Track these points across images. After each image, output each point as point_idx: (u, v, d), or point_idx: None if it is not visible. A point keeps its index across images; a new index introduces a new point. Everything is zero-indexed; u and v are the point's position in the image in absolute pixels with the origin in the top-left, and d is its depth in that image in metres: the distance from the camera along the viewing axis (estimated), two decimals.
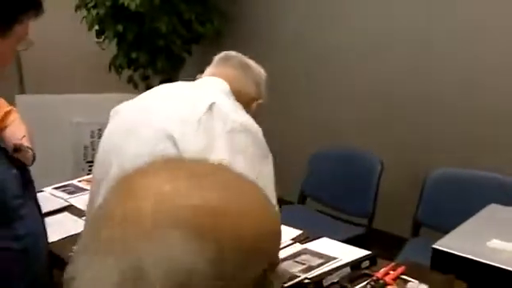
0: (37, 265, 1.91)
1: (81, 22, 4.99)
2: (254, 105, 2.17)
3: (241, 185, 0.81)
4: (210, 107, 1.89)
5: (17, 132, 2.67)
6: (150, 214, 0.75)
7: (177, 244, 0.72)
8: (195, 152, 1.81)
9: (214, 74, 2.15)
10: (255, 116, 2.08)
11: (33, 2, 1.83)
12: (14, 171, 1.90)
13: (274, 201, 1.85)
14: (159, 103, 2.05)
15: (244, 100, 2.10)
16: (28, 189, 1.99)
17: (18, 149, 2.44)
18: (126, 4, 4.63)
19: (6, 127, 2.73)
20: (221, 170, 0.85)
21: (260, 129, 1.94)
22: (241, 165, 1.78)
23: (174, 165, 0.84)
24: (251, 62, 2.25)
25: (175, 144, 1.85)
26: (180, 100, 2.01)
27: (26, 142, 2.59)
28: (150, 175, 0.80)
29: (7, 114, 2.78)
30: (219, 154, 1.79)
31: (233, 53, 2.26)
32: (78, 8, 5.00)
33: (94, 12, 4.89)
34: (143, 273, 0.73)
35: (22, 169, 1.96)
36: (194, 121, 1.87)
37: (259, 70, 2.25)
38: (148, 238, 0.74)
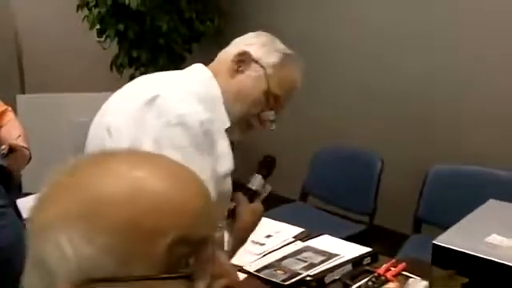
0: (17, 275, 1.88)
1: (82, 22, 5.00)
2: (232, 57, 1.92)
3: (121, 166, 0.82)
4: (152, 99, 1.75)
5: (12, 132, 2.68)
6: (40, 214, 0.79)
7: (68, 243, 0.74)
8: (125, 146, 1.74)
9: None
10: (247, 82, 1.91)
11: None
12: None
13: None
14: (118, 96, 1.95)
15: (225, 66, 1.93)
16: (10, 197, 1.96)
17: (13, 149, 2.44)
18: (126, 3, 4.64)
19: (1, 127, 2.73)
20: (113, 155, 0.86)
21: (206, 120, 1.74)
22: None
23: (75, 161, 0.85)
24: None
25: (111, 137, 1.79)
26: (133, 92, 1.88)
27: (21, 142, 2.60)
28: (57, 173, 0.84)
29: (2, 113, 2.79)
30: (146, 148, 1.68)
31: None
32: (79, 7, 5.01)
33: (95, 11, 4.90)
34: (51, 273, 0.75)
35: (6, 177, 1.94)
36: (129, 113, 1.78)
37: (253, 34, 2.02)
38: (43, 238, 0.76)
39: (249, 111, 1.93)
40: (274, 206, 3.80)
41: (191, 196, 0.81)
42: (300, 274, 2.20)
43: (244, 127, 1.96)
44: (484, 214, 2.12)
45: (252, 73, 1.91)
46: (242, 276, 2.28)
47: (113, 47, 5.12)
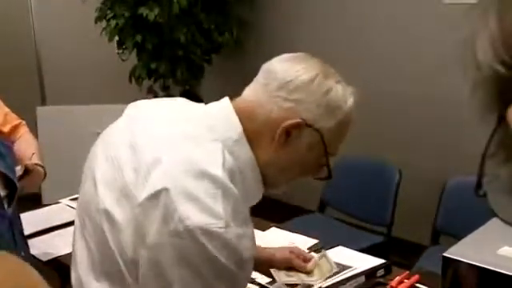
0: None
1: (101, 34, 5.02)
2: (280, 130, 1.50)
3: None
4: (156, 194, 1.37)
5: (26, 149, 2.66)
6: None
7: None
8: (118, 250, 1.44)
9: (239, 101, 1.56)
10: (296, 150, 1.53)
11: None
12: None
13: None
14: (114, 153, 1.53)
15: (263, 128, 1.52)
16: (6, 208, 1.96)
17: (28, 170, 2.43)
18: (144, 15, 4.66)
19: (14, 142, 2.72)
20: None
21: (226, 225, 1.36)
22: (179, 280, 1.38)
23: None
24: (290, 63, 1.56)
25: (112, 227, 1.45)
26: (131, 166, 1.46)
27: (35, 159, 2.59)
28: None
29: (16, 128, 2.79)
30: (142, 265, 1.40)
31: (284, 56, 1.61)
32: (97, 20, 5.03)
33: (113, 23, 4.92)
34: None
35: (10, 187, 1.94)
36: (129, 209, 1.42)
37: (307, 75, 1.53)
38: None
39: (301, 176, 1.64)
40: (292, 216, 3.80)
41: None
42: (312, 286, 2.18)
43: (287, 185, 1.67)
44: (497, 226, 2.08)
45: (305, 139, 1.53)
46: None
47: (132, 59, 5.14)
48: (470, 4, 0.65)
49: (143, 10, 4.69)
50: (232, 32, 5.13)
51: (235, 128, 1.50)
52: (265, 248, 2.08)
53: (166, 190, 1.36)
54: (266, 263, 2.02)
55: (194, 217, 1.34)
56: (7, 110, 2.80)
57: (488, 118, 0.62)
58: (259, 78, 1.56)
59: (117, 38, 5.05)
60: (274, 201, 5.13)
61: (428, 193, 3.86)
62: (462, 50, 0.65)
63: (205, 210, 1.35)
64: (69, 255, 2.50)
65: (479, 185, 0.61)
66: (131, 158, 1.46)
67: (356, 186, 3.90)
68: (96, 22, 5.03)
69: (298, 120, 1.49)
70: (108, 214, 1.45)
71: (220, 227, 1.35)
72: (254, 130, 1.51)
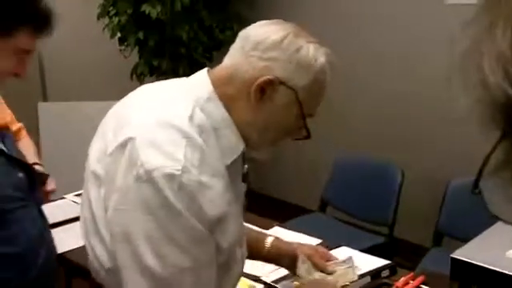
0: (35, 271, 1.90)
1: (103, 30, 5.02)
2: (254, 87, 1.52)
3: None
4: (124, 144, 1.44)
5: (28, 152, 2.69)
6: None
7: None
8: (96, 201, 1.54)
9: (218, 69, 1.62)
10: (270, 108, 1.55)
11: (29, 17, 1.77)
12: (20, 175, 1.91)
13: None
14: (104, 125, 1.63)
15: (239, 89, 1.55)
16: (33, 195, 1.98)
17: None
18: (147, 12, 4.66)
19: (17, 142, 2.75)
20: None
21: (185, 180, 1.39)
22: (140, 224, 1.42)
23: None
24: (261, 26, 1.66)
25: (97, 186, 1.53)
26: (113, 125, 1.56)
27: (35, 158, 2.63)
28: None
29: (18, 132, 2.83)
30: (109, 211, 1.47)
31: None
32: (100, 16, 5.03)
33: (115, 20, 4.92)
34: None
35: (30, 173, 1.96)
36: (106, 160, 1.50)
37: (279, 34, 1.61)
38: None
39: (281, 139, 1.68)
40: (293, 216, 3.79)
41: None
42: None
43: (271, 148, 1.69)
44: (505, 228, 2.09)
45: (281, 99, 1.56)
46: (259, 287, 2.27)
47: (133, 56, 5.13)
48: (471, 4, 0.64)
49: (146, 7, 4.69)
50: (233, 29, 5.12)
51: (206, 88, 1.55)
52: (290, 242, 2.15)
53: (132, 139, 1.43)
54: (289, 256, 2.07)
55: (154, 160, 1.40)
56: (9, 111, 2.85)
57: (488, 133, 0.61)
58: (236, 44, 1.61)
59: (119, 34, 5.04)
60: (273, 200, 5.15)
61: (430, 194, 3.86)
62: (462, 62, 0.63)
63: (165, 155, 1.41)
64: (74, 250, 2.52)
65: (476, 186, 0.61)
66: (114, 124, 1.55)
67: (358, 186, 3.89)
68: (98, 19, 5.03)
69: (270, 77, 1.52)
70: (94, 174, 1.54)
71: (177, 169, 1.39)
72: (231, 93, 1.56)
